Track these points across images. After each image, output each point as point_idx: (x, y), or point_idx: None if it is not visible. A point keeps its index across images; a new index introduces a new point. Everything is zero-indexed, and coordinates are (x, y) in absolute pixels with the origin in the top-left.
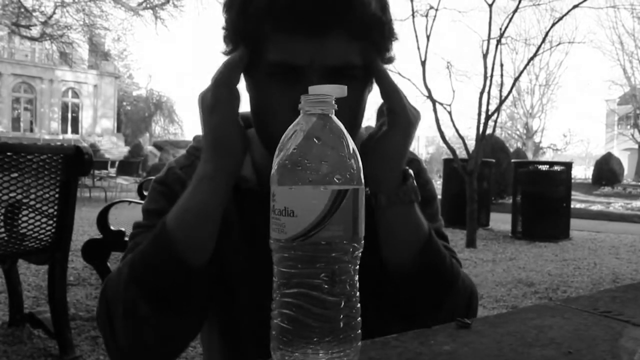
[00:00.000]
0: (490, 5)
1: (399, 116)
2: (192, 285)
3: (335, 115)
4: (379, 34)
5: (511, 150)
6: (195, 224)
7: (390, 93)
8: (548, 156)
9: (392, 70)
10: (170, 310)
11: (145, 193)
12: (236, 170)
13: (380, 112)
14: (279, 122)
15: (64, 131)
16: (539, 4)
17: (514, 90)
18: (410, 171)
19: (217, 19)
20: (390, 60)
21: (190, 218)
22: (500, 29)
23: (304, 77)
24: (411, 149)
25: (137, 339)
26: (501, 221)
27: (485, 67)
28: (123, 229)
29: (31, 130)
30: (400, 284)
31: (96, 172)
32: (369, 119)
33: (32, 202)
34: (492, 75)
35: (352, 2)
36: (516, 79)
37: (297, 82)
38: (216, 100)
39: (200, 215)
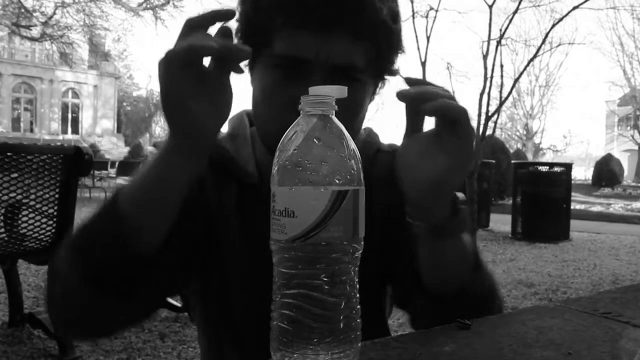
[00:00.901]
0: (490, 6)
1: (464, 128)
2: (132, 270)
3: (335, 116)
4: (385, 41)
5: (511, 151)
6: (148, 200)
7: (449, 104)
8: (548, 157)
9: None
10: (103, 291)
11: None
12: (197, 151)
13: (413, 115)
14: (278, 116)
15: (64, 131)
16: (539, 5)
17: (513, 91)
18: (461, 195)
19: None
20: (394, 72)
21: (144, 192)
22: (500, 30)
23: (307, 74)
24: None
25: (68, 310)
26: (501, 222)
27: (485, 68)
28: None
29: (31, 130)
30: (436, 306)
31: (96, 172)
32: (369, 120)
33: (32, 202)
34: (492, 76)
35: (362, 3)
36: (516, 80)
37: (299, 78)
38: (161, 79)
39: (154, 191)
